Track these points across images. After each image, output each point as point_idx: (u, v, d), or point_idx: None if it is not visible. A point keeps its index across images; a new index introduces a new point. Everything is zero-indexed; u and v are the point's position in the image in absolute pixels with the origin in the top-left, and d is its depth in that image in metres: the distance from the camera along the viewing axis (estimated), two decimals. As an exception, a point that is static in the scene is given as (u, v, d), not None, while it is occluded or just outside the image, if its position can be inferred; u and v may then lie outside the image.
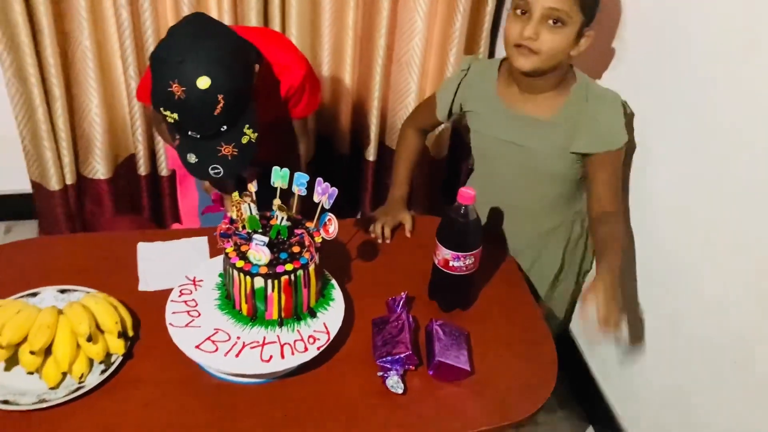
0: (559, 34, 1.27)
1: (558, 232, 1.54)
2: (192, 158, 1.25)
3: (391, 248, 1.44)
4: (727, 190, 1.23)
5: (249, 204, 1.12)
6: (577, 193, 1.50)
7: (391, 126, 2.26)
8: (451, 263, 1.21)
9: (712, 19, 1.24)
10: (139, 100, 1.58)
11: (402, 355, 1.11)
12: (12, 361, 1.04)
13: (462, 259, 1.20)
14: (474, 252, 1.21)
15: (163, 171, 2.08)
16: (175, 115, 1.18)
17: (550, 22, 1.26)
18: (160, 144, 2.03)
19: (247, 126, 1.23)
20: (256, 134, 1.25)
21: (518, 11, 1.29)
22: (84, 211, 2.07)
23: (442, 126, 1.69)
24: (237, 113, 1.21)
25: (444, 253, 1.21)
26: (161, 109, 1.19)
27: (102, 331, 1.08)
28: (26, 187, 2.10)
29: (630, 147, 1.46)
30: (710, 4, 1.24)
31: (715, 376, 1.29)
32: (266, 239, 1.07)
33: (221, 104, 1.17)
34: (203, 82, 1.14)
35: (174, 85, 1.14)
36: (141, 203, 2.12)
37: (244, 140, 1.24)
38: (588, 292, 1.15)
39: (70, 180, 1.98)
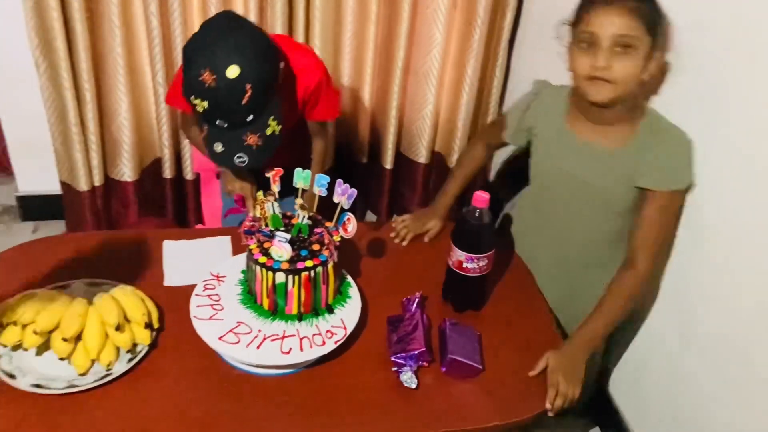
0: (630, 60, 1.23)
1: (607, 270, 1.38)
2: (218, 147, 1.29)
3: (406, 249, 1.48)
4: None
5: (272, 203, 1.16)
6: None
7: (407, 135, 2.30)
8: (464, 264, 1.24)
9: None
10: (168, 103, 1.63)
11: (416, 352, 1.14)
12: (44, 347, 1.08)
13: (475, 260, 1.24)
14: (487, 254, 1.24)
15: (188, 174, 2.13)
16: (205, 104, 1.23)
17: (619, 48, 1.22)
18: (186, 148, 2.08)
19: (272, 118, 1.28)
20: (280, 127, 1.30)
21: (583, 45, 1.26)
22: (110, 212, 2.12)
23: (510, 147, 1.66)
24: (263, 104, 1.26)
25: (458, 255, 1.24)
26: (192, 97, 1.24)
27: (129, 322, 1.12)
28: (54, 189, 2.16)
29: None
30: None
31: (723, 379, 1.31)
32: (288, 236, 1.11)
33: (249, 93, 1.21)
34: (233, 71, 1.19)
35: (205, 73, 1.19)
36: (165, 205, 2.17)
37: (269, 131, 1.28)
38: (550, 357, 1.18)
39: (98, 181, 2.04)
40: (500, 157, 2.11)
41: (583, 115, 1.38)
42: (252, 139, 1.27)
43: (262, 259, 1.11)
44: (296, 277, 1.11)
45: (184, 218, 2.22)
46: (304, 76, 1.46)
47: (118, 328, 1.08)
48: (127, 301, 1.13)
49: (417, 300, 1.25)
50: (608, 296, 1.32)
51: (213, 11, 1.86)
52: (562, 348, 1.23)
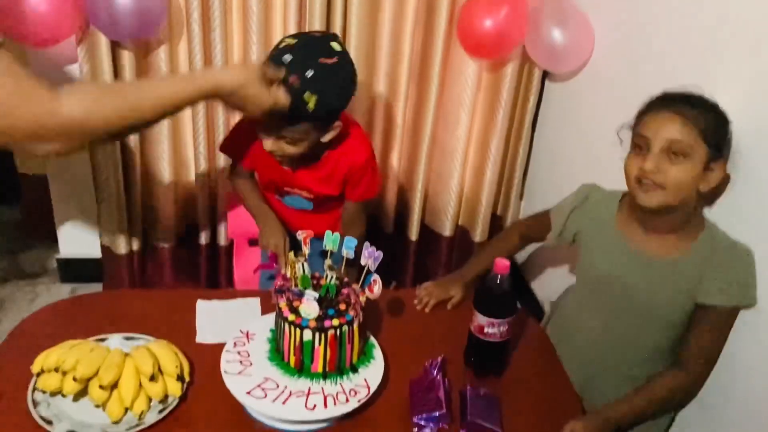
0: (682, 166, 1.22)
1: (637, 382, 1.35)
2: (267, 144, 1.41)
3: (429, 315, 1.51)
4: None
5: (302, 264, 1.21)
6: (675, 348, 1.37)
7: (432, 209, 2.37)
8: (486, 329, 1.27)
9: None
10: (221, 151, 1.69)
11: (437, 413, 1.16)
12: (81, 394, 1.12)
13: (496, 326, 1.26)
14: (508, 319, 1.26)
15: (222, 241, 2.21)
16: (315, 96, 1.33)
17: (672, 154, 1.22)
18: (221, 216, 2.17)
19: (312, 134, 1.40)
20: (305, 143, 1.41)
21: (637, 148, 1.28)
22: (146, 276, 2.20)
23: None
24: (319, 122, 1.37)
25: (479, 320, 1.27)
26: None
27: (162, 374, 1.16)
28: (92, 253, 2.25)
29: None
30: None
31: None
32: (316, 295, 1.15)
33: (313, 108, 1.32)
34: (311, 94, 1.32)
35: (292, 77, 1.30)
36: (199, 270, 2.24)
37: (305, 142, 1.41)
38: (574, 426, 1.17)
39: (136, 246, 2.12)
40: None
41: (635, 222, 1.37)
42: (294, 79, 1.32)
43: (291, 317, 1.15)
44: (323, 335, 1.14)
45: (216, 283, 2.28)
46: (352, 152, 1.52)
47: (153, 378, 1.12)
48: (161, 353, 1.18)
49: (439, 363, 1.27)
50: (650, 385, 1.31)
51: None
52: (586, 417, 1.22)
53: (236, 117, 1.64)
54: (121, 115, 1.10)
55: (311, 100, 1.33)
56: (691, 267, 1.29)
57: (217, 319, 1.42)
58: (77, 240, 2.32)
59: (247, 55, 1.93)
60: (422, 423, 1.16)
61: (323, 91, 1.33)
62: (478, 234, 2.37)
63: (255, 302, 1.49)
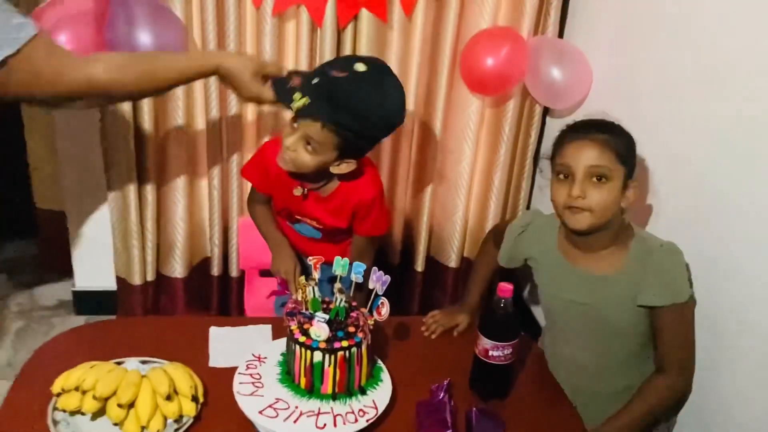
0: (605, 189, 1.31)
1: (623, 398, 1.40)
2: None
3: (436, 341, 1.54)
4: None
5: (313, 287, 1.25)
6: (651, 352, 1.44)
7: (438, 240, 2.41)
8: (490, 353, 1.30)
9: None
10: (242, 174, 1.73)
11: (444, 433, 1.18)
12: (99, 413, 1.15)
13: (501, 348, 1.29)
14: (512, 342, 1.30)
15: (233, 272, 2.25)
16: (305, 99, 1.35)
17: (594, 179, 1.31)
18: (233, 247, 2.22)
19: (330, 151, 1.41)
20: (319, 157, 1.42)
21: (561, 176, 1.35)
22: (159, 306, 2.23)
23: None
24: (343, 141, 1.39)
25: (484, 343, 1.30)
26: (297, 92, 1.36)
27: (177, 394, 1.19)
28: (106, 285, 2.30)
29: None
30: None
31: None
32: (326, 317, 1.19)
33: (345, 118, 1.35)
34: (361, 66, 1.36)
35: (335, 71, 1.35)
36: (211, 301, 2.28)
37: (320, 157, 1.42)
38: None
39: (150, 277, 2.17)
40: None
41: (572, 244, 1.44)
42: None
43: (302, 339, 1.19)
44: (332, 356, 1.18)
45: (227, 313, 2.32)
46: (363, 188, 1.55)
47: (168, 398, 1.15)
48: (177, 374, 1.21)
49: (445, 386, 1.30)
50: (641, 394, 1.35)
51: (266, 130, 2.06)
52: None
53: (244, 155, 1.70)
54: (138, 81, 1.33)
55: (300, 101, 1.35)
56: (628, 277, 1.36)
57: (229, 344, 1.45)
58: (92, 273, 2.37)
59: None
60: (429, 444, 1.19)
61: (327, 101, 1.34)
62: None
63: (267, 329, 1.52)
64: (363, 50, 1.99)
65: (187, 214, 2.12)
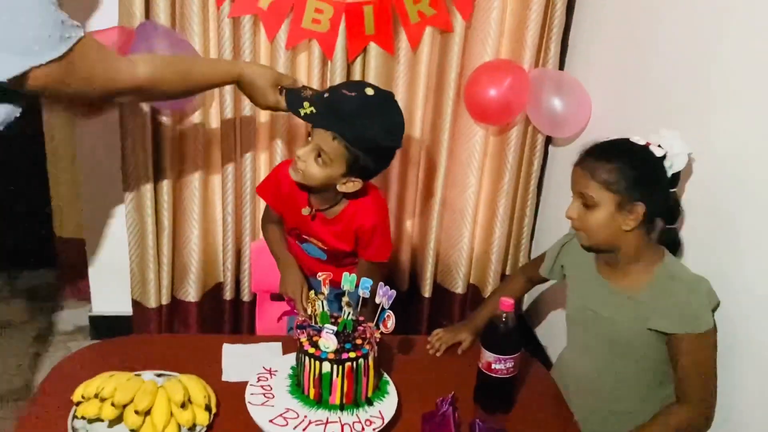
0: (593, 213, 1.37)
1: (635, 419, 1.40)
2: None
3: (441, 357, 1.58)
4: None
5: (322, 302, 1.30)
6: (665, 383, 1.43)
7: (444, 267, 2.44)
8: (493, 366, 1.33)
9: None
10: (257, 191, 1.78)
11: (448, 443, 1.21)
12: (116, 421, 1.19)
13: (503, 362, 1.32)
14: (514, 356, 1.32)
15: (245, 297, 2.29)
16: (313, 108, 1.44)
17: (584, 203, 1.39)
18: (245, 272, 2.27)
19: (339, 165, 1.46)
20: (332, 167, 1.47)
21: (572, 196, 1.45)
22: (172, 329, 2.27)
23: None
24: (352, 157, 1.45)
25: (487, 356, 1.33)
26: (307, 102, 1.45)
27: (191, 404, 1.23)
28: (121, 310, 2.34)
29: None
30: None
31: None
32: (335, 328, 1.23)
33: (351, 133, 1.42)
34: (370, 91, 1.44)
35: (345, 90, 1.44)
36: (223, 323, 2.31)
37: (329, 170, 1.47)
38: None
39: (165, 300, 2.21)
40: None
41: (602, 259, 1.49)
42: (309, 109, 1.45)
43: (311, 350, 1.23)
44: (340, 367, 1.21)
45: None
46: (365, 212, 1.58)
47: (183, 406, 1.18)
48: (191, 385, 1.25)
49: (450, 400, 1.32)
50: (654, 420, 1.37)
51: (278, 158, 2.13)
52: None
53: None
54: (173, 82, 1.43)
55: (307, 108, 1.44)
56: (650, 299, 1.38)
57: (241, 360, 1.49)
58: (109, 298, 2.41)
59: (273, 120, 2.09)
60: (434, 454, 1.21)
61: (333, 113, 1.42)
62: (489, 291, 2.44)
63: (277, 346, 1.56)
64: (371, 81, 2.06)
65: (201, 240, 2.18)
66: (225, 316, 2.30)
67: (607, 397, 1.50)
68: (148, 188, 2.05)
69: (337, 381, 1.22)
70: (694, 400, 1.35)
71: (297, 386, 1.29)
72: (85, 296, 2.59)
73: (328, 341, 1.21)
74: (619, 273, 1.44)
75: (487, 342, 1.34)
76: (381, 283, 1.28)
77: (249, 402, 1.24)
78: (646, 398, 1.44)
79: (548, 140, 2.36)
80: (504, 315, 1.32)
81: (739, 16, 1.43)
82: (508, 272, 2.53)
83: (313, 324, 1.29)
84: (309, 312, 1.30)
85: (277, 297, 1.85)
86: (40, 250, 2.84)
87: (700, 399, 1.36)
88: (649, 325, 1.36)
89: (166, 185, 2.07)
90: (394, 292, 1.27)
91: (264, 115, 2.11)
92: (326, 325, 1.24)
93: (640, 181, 1.35)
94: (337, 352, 1.22)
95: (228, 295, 2.28)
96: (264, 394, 1.27)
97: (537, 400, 1.44)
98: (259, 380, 1.32)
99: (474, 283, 2.49)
